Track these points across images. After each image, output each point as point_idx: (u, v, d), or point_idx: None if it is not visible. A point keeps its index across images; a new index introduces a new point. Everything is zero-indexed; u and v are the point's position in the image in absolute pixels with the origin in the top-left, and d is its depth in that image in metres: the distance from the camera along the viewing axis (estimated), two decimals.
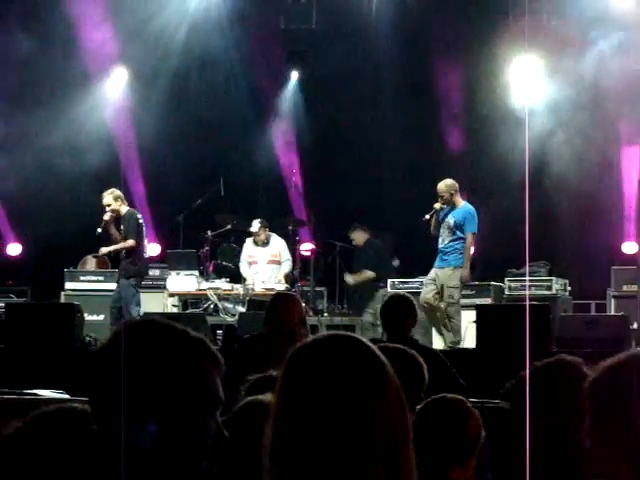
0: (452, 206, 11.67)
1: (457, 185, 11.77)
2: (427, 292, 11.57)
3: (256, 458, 1.95)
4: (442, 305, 11.49)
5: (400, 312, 7.03)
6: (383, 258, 14.21)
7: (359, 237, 14.18)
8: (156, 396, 2.02)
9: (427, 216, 11.74)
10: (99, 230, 12.33)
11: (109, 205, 12.41)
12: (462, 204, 11.75)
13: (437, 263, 11.72)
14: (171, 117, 15.94)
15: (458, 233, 11.59)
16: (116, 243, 12.41)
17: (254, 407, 2.89)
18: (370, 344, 1.93)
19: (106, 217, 12.34)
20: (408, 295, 7.46)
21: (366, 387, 1.85)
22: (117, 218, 12.44)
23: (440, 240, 11.70)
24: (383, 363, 1.91)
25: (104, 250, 12.76)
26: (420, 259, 14.33)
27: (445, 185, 11.70)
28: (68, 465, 2.11)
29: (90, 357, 2.12)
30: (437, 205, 11.65)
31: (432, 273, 11.73)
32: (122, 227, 12.44)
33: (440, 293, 11.53)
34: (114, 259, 13.07)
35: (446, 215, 11.69)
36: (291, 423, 1.84)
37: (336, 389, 1.83)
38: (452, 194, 11.67)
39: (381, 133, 15.58)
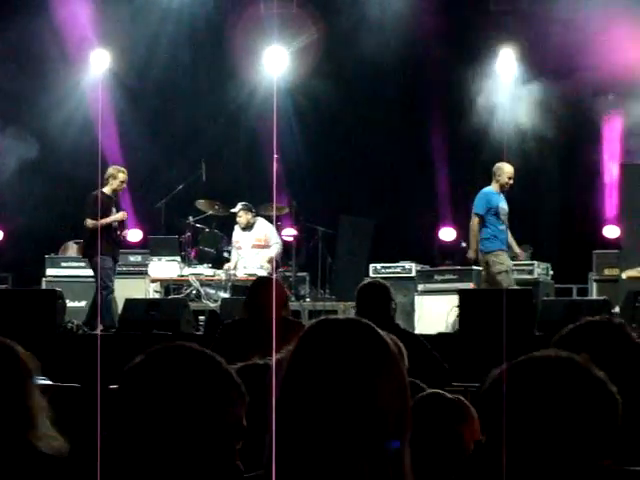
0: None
1: None
2: None
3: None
4: None
5: (376, 298, 6.87)
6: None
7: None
8: (184, 424, 2.05)
9: None
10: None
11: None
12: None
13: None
14: (152, 102, 15.88)
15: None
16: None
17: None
18: (374, 326, 1.96)
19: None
20: (382, 281, 7.33)
21: (371, 366, 1.88)
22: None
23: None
24: (387, 343, 1.94)
25: None
26: (400, 245, 14.37)
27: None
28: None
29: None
30: None
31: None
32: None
33: None
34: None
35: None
36: (297, 400, 1.87)
37: (341, 369, 1.86)
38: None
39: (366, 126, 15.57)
